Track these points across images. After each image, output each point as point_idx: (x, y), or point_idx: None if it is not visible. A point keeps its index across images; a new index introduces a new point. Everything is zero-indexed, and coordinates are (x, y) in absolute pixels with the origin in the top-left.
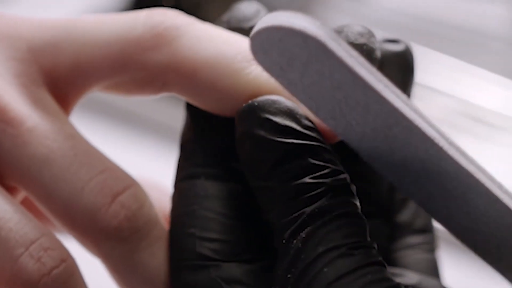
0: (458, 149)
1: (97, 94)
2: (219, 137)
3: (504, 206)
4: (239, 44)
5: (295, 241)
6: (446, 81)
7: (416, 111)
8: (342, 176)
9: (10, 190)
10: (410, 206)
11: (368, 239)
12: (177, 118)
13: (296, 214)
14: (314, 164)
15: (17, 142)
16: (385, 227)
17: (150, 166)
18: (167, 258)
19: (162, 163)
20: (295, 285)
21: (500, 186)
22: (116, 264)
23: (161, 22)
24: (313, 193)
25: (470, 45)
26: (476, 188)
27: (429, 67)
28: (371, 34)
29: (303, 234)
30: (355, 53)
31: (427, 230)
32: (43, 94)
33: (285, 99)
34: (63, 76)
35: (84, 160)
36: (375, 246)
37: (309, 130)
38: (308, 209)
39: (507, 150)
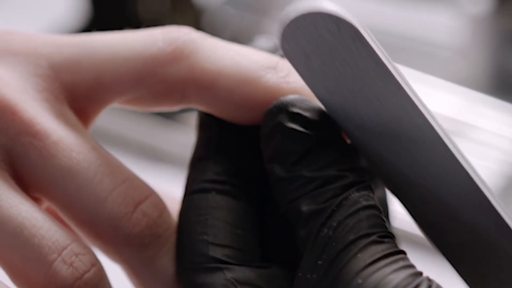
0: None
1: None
2: (230, 156)
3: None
4: (253, 55)
5: (326, 230)
6: None
7: (430, 113)
8: (363, 172)
9: (35, 201)
10: None
11: (390, 230)
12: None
13: (325, 204)
14: (340, 157)
15: (43, 154)
16: None
17: None
18: (176, 263)
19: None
20: (327, 271)
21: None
22: (138, 270)
23: (178, 38)
24: (339, 184)
25: (419, 54)
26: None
27: None
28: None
29: (333, 223)
30: (381, 47)
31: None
32: (65, 109)
33: (310, 99)
34: (83, 92)
35: (107, 171)
36: (395, 237)
37: (335, 128)
38: (336, 199)
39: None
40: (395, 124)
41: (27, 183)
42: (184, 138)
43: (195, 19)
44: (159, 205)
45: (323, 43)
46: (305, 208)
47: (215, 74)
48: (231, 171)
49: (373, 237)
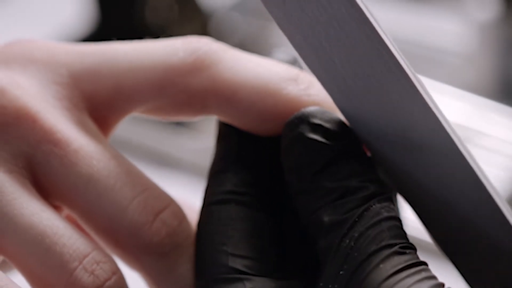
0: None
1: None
2: (249, 168)
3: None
4: (274, 67)
5: (348, 240)
6: None
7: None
8: (383, 183)
9: (55, 209)
10: None
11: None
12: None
13: (347, 215)
14: (361, 168)
15: (64, 162)
16: None
17: None
18: (195, 274)
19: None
20: (349, 281)
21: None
22: (157, 278)
23: (199, 48)
24: (360, 195)
25: (426, 61)
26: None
27: None
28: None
29: (355, 234)
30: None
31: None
32: (84, 118)
33: (331, 111)
34: (103, 101)
35: (127, 180)
36: (416, 249)
37: (356, 139)
38: (358, 210)
39: None
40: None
41: (48, 191)
42: (196, 145)
43: (203, 25)
44: (179, 214)
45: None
46: (326, 218)
47: (236, 85)
48: (250, 182)
49: (395, 248)
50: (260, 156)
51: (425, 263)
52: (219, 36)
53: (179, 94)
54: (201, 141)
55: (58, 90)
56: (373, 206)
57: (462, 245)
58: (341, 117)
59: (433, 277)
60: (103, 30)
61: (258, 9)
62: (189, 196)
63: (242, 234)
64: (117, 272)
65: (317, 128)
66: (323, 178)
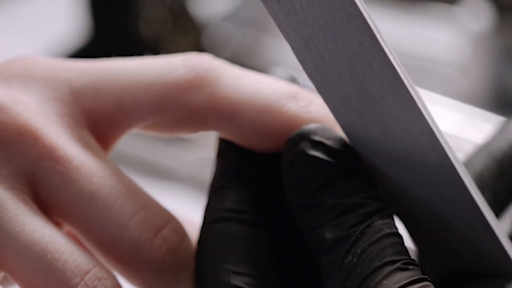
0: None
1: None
2: (249, 185)
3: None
4: (274, 84)
5: (350, 257)
6: None
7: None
8: (384, 201)
9: (56, 226)
10: None
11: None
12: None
13: (349, 232)
14: (362, 185)
15: (65, 179)
16: None
17: None
18: None
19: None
20: None
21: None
22: None
23: (199, 65)
24: (362, 211)
25: (419, 71)
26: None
27: None
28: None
29: (357, 250)
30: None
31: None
32: (85, 134)
33: (332, 129)
34: (104, 117)
35: (128, 196)
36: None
37: (357, 156)
38: (360, 227)
39: None
40: (362, 71)
41: (49, 208)
42: (193, 157)
43: (196, 36)
44: (180, 230)
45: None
46: (328, 235)
47: (236, 102)
48: (250, 200)
49: (398, 264)
50: (261, 173)
51: (428, 279)
52: (213, 47)
53: (179, 111)
54: (198, 154)
55: (59, 106)
56: (375, 223)
57: (452, 259)
58: (342, 134)
59: None
60: (97, 43)
61: (252, 20)
62: (187, 209)
63: (243, 252)
64: None
65: (318, 145)
66: (324, 195)
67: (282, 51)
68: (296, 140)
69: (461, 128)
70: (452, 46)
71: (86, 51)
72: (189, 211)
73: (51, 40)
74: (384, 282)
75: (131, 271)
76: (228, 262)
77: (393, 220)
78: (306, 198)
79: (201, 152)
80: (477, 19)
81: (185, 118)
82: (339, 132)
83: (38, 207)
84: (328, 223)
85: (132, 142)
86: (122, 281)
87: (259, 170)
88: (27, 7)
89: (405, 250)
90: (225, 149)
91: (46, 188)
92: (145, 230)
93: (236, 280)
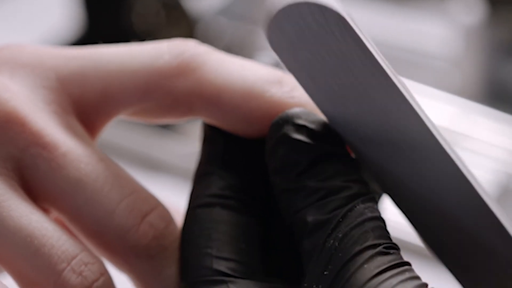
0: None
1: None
2: (234, 170)
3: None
4: (258, 70)
5: (332, 241)
6: None
7: (417, 104)
8: (367, 184)
9: (44, 212)
10: None
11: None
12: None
13: (330, 215)
14: (345, 168)
15: (52, 165)
16: None
17: None
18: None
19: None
20: (333, 282)
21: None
22: (145, 280)
23: (184, 51)
24: (344, 194)
25: (412, 65)
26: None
27: None
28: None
29: (339, 234)
30: (367, 36)
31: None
32: (72, 121)
33: (315, 113)
34: (91, 104)
35: (115, 183)
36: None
37: (340, 140)
38: (341, 210)
39: None
40: (381, 114)
41: (36, 194)
42: (183, 148)
43: (189, 30)
44: (166, 217)
45: (309, 33)
46: (310, 218)
47: (221, 88)
48: (235, 185)
49: (379, 248)
50: (246, 159)
51: (408, 263)
52: (206, 41)
53: (164, 97)
54: (188, 145)
55: (46, 94)
56: (357, 207)
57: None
58: (324, 118)
59: (417, 277)
60: (90, 35)
61: (244, 14)
62: (176, 199)
63: (226, 237)
64: (105, 273)
65: (301, 129)
66: (307, 178)
67: None
68: (280, 124)
69: (454, 121)
70: (445, 39)
71: (79, 44)
72: (180, 202)
73: (45, 34)
74: (365, 266)
75: (118, 257)
76: (211, 247)
77: (375, 203)
78: (289, 181)
79: (192, 143)
80: (469, 12)
81: (171, 104)
82: (323, 116)
83: (26, 193)
84: (310, 207)
85: (122, 132)
86: (109, 267)
87: (245, 156)
88: (20, 1)
89: (386, 234)
90: (211, 135)
91: (34, 175)
92: (132, 216)
93: (219, 265)
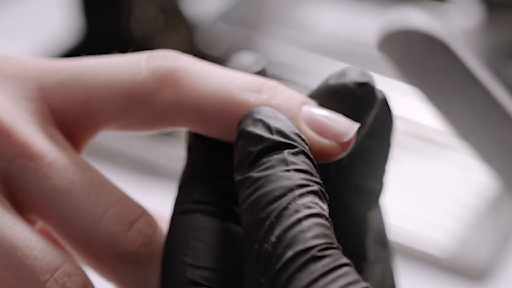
0: None
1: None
2: (217, 177)
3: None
4: (238, 79)
5: (265, 245)
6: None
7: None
8: (313, 178)
9: (29, 223)
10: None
11: (336, 241)
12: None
13: (264, 214)
14: (291, 160)
15: (38, 175)
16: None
17: None
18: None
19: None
20: None
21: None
22: (132, 287)
23: (161, 66)
24: (279, 184)
25: None
26: None
27: None
28: (370, 76)
29: (272, 238)
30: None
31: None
32: (55, 132)
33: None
34: (72, 117)
35: (101, 191)
36: (341, 248)
37: (296, 136)
38: (276, 209)
39: (451, 167)
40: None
41: (23, 205)
42: (179, 153)
43: (188, 35)
44: (153, 223)
45: (415, 53)
46: (248, 218)
47: (200, 100)
48: (217, 192)
49: (313, 252)
50: (230, 166)
51: (347, 264)
52: (205, 46)
53: (145, 112)
54: (183, 149)
55: (30, 105)
56: (292, 204)
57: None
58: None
59: (354, 282)
60: (89, 41)
61: (244, 19)
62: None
63: (203, 244)
64: (88, 284)
65: (257, 122)
66: (253, 169)
67: (274, 50)
68: (241, 121)
69: None
70: None
71: (78, 50)
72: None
73: (44, 40)
74: (297, 275)
75: (106, 265)
76: (187, 255)
77: (320, 198)
78: (243, 172)
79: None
80: (466, 15)
81: (152, 118)
82: (302, 125)
83: (12, 204)
84: (248, 201)
85: (118, 137)
86: (94, 278)
87: (229, 163)
88: (19, 7)
89: (324, 232)
90: (195, 143)
91: (20, 186)
92: (120, 224)
93: (192, 274)
